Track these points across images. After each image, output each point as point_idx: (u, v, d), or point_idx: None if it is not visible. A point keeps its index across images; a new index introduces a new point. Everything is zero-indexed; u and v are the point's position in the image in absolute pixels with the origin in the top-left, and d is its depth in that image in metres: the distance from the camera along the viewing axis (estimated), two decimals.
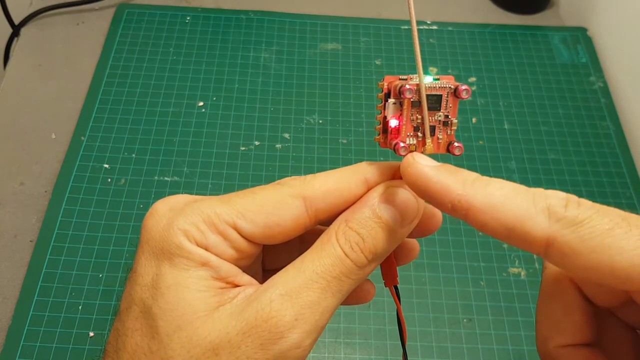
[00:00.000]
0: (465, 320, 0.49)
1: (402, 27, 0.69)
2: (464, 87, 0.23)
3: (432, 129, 0.24)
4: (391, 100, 0.24)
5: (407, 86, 0.23)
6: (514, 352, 0.48)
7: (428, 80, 0.23)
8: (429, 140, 0.24)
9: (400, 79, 0.24)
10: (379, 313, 0.49)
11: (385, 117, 0.24)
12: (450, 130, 0.24)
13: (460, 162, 0.58)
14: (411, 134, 0.24)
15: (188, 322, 0.21)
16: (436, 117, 0.24)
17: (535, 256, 0.53)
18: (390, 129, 0.24)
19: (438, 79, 0.24)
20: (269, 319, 0.21)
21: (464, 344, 0.48)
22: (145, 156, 0.57)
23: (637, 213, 0.57)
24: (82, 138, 0.57)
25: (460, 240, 0.53)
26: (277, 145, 0.59)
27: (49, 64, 0.64)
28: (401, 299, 0.50)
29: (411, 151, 0.24)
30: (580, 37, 0.70)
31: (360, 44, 0.68)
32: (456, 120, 0.24)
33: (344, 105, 0.62)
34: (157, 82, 0.62)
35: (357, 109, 0.62)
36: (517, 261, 0.53)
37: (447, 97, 0.24)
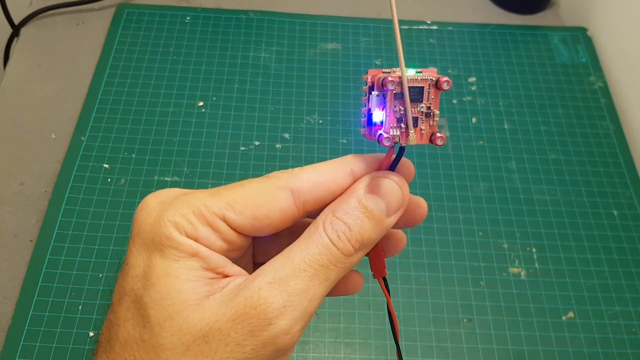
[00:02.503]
0: (465, 320, 0.49)
1: (402, 27, 0.69)
2: (444, 78, 0.24)
3: (415, 120, 0.24)
4: (374, 93, 0.24)
5: (390, 78, 0.23)
6: (514, 352, 0.48)
7: (410, 72, 0.24)
8: (412, 132, 0.24)
9: (383, 72, 0.24)
10: (379, 313, 0.49)
11: (369, 110, 0.25)
12: (433, 121, 0.25)
13: (460, 162, 0.58)
14: (394, 125, 0.24)
15: (178, 310, 0.22)
16: (418, 108, 0.24)
17: (535, 256, 0.53)
18: (374, 121, 0.24)
19: (420, 72, 0.24)
20: (257, 305, 0.22)
21: (464, 344, 0.48)
22: (145, 156, 0.57)
23: (637, 213, 0.57)
24: (82, 138, 0.57)
25: (460, 240, 0.53)
26: (277, 145, 0.59)
27: (49, 64, 0.64)
28: (401, 299, 0.50)
29: (395, 142, 0.24)
30: (580, 37, 0.70)
31: (360, 44, 0.68)
32: (438, 112, 0.25)
33: (344, 105, 0.62)
34: (157, 82, 0.62)
35: (357, 108, 0.62)
36: (517, 261, 0.53)
37: (429, 88, 0.24)
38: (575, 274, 0.52)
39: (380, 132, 0.24)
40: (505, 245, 0.53)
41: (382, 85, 0.23)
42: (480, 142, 0.60)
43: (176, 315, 0.22)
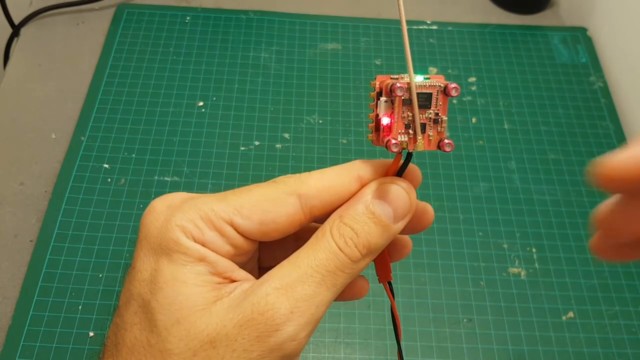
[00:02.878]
0: (465, 320, 0.49)
1: None
2: (453, 85, 0.24)
3: (423, 127, 0.24)
4: (383, 99, 0.24)
5: (398, 84, 0.23)
6: (514, 352, 0.48)
7: (419, 79, 0.24)
8: (420, 138, 0.24)
9: (391, 78, 0.24)
10: (379, 313, 0.49)
11: (377, 115, 0.25)
12: (441, 127, 0.25)
13: (460, 162, 0.58)
14: (402, 131, 0.24)
15: (186, 315, 0.22)
16: (427, 114, 0.24)
17: (535, 256, 0.53)
18: (382, 127, 0.24)
19: (428, 78, 0.24)
20: (264, 311, 0.22)
21: (464, 344, 0.48)
22: (145, 156, 0.57)
23: None
24: (82, 138, 0.57)
25: (460, 240, 0.53)
26: (277, 145, 0.59)
27: (49, 64, 0.64)
28: (401, 299, 0.50)
29: (403, 148, 0.24)
30: (580, 37, 0.70)
31: (360, 44, 0.68)
32: (446, 118, 0.25)
33: (344, 105, 0.62)
34: (157, 82, 0.62)
35: (357, 109, 0.62)
36: (517, 261, 0.53)
37: (437, 95, 0.24)
38: (575, 274, 0.52)
39: (388, 138, 0.24)
40: (505, 245, 0.53)
41: (391, 91, 0.23)
42: (480, 142, 0.60)
43: (184, 320, 0.22)
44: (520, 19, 0.73)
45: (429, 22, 0.70)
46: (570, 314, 0.50)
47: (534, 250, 0.53)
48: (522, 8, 0.73)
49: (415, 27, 0.70)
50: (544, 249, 0.53)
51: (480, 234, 0.54)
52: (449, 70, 0.66)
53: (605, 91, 0.65)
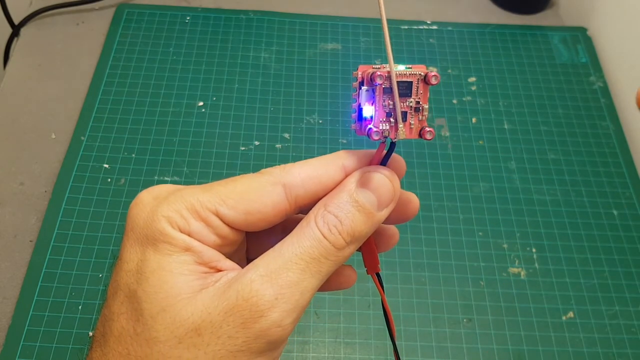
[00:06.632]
0: (465, 320, 0.49)
1: (402, 27, 0.69)
2: (433, 73, 0.24)
3: (404, 115, 0.25)
4: (364, 88, 0.24)
5: (379, 73, 0.23)
6: (514, 352, 0.48)
7: (400, 68, 0.24)
8: (401, 126, 0.24)
9: (373, 67, 0.24)
10: (379, 313, 0.49)
11: (359, 105, 0.25)
12: (422, 116, 0.25)
13: (460, 162, 0.58)
14: (384, 119, 0.25)
15: (171, 304, 0.22)
16: (407, 103, 0.25)
17: (535, 256, 0.53)
18: (364, 116, 0.25)
19: (410, 67, 0.24)
20: (249, 298, 0.22)
21: (464, 344, 0.48)
22: (145, 156, 0.57)
23: (637, 213, 0.57)
24: (82, 138, 0.57)
25: (460, 240, 0.53)
26: (277, 145, 0.59)
27: (49, 64, 0.64)
28: (401, 299, 0.50)
29: (385, 137, 0.24)
30: (580, 37, 0.70)
31: (360, 44, 0.68)
32: (427, 106, 0.25)
33: (344, 105, 0.62)
34: (157, 82, 0.62)
35: None
36: (517, 261, 0.53)
37: (418, 83, 0.24)
38: (575, 274, 0.52)
39: (369, 126, 0.24)
40: (505, 245, 0.53)
41: (371, 80, 0.24)
42: (480, 142, 0.60)
43: (169, 309, 0.22)
44: (520, 19, 0.73)
45: (429, 22, 0.70)
46: (570, 314, 0.50)
47: (534, 250, 0.53)
48: (522, 8, 0.73)
49: (415, 27, 0.70)
50: (544, 249, 0.53)
51: (480, 234, 0.54)
52: (449, 70, 0.66)
53: (605, 91, 0.65)
